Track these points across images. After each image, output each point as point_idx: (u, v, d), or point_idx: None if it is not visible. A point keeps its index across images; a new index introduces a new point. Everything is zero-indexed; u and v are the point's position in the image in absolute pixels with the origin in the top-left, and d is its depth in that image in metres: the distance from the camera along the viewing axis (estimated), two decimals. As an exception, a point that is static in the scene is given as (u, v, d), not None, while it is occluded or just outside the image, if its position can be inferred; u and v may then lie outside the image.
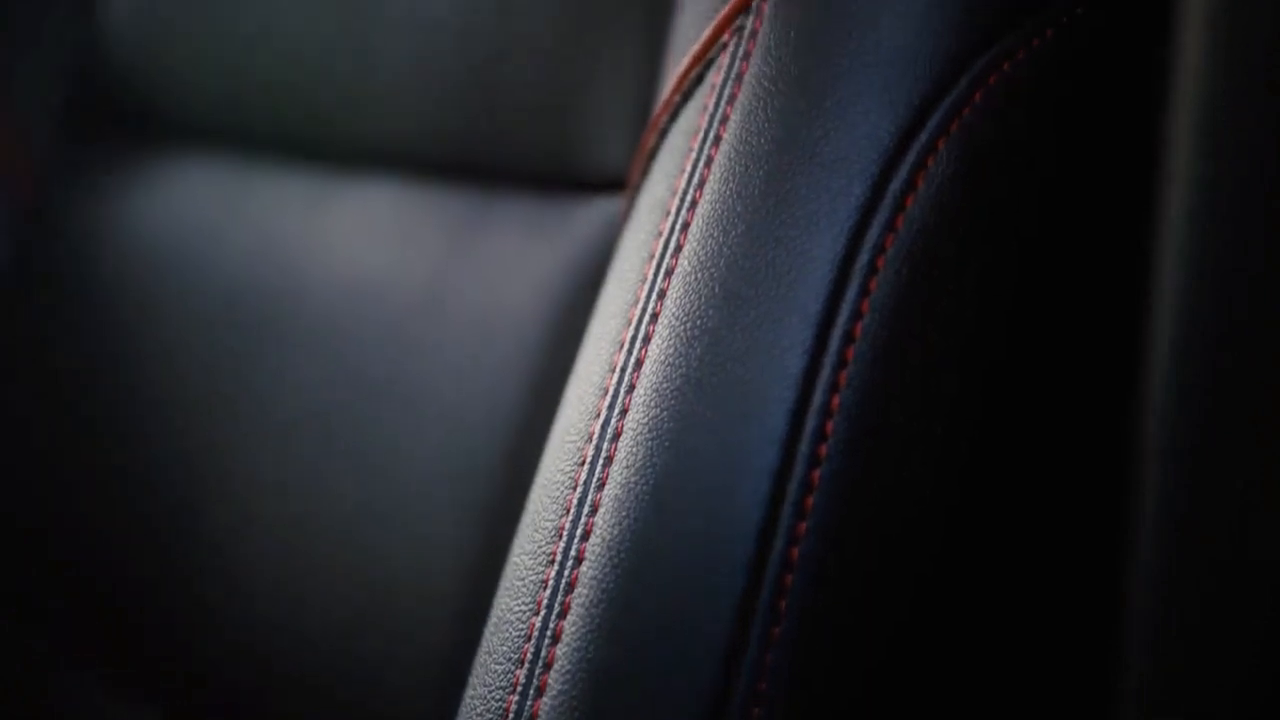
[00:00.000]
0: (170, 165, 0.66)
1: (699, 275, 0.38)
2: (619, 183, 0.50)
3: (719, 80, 0.41)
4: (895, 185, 0.37)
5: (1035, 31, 0.39)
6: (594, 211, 0.51)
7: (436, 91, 0.56)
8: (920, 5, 0.39)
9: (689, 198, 0.40)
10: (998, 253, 0.38)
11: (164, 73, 0.66)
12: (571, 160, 0.52)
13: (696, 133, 0.41)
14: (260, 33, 0.63)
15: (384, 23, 0.58)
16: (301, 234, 0.60)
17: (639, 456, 0.36)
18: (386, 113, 0.58)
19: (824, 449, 0.35)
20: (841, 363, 0.36)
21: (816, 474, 0.35)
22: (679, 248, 0.39)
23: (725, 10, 0.42)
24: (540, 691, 0.34)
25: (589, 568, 0.35)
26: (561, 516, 0.37)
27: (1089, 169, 0.41)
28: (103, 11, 0.69)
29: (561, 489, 0.38)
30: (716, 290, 0.38)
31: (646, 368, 0.38)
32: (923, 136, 0.37)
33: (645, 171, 0.44)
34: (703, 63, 0.42)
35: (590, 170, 0.51)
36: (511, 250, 0.53)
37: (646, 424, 0.36)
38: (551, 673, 0.34)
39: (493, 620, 0.37)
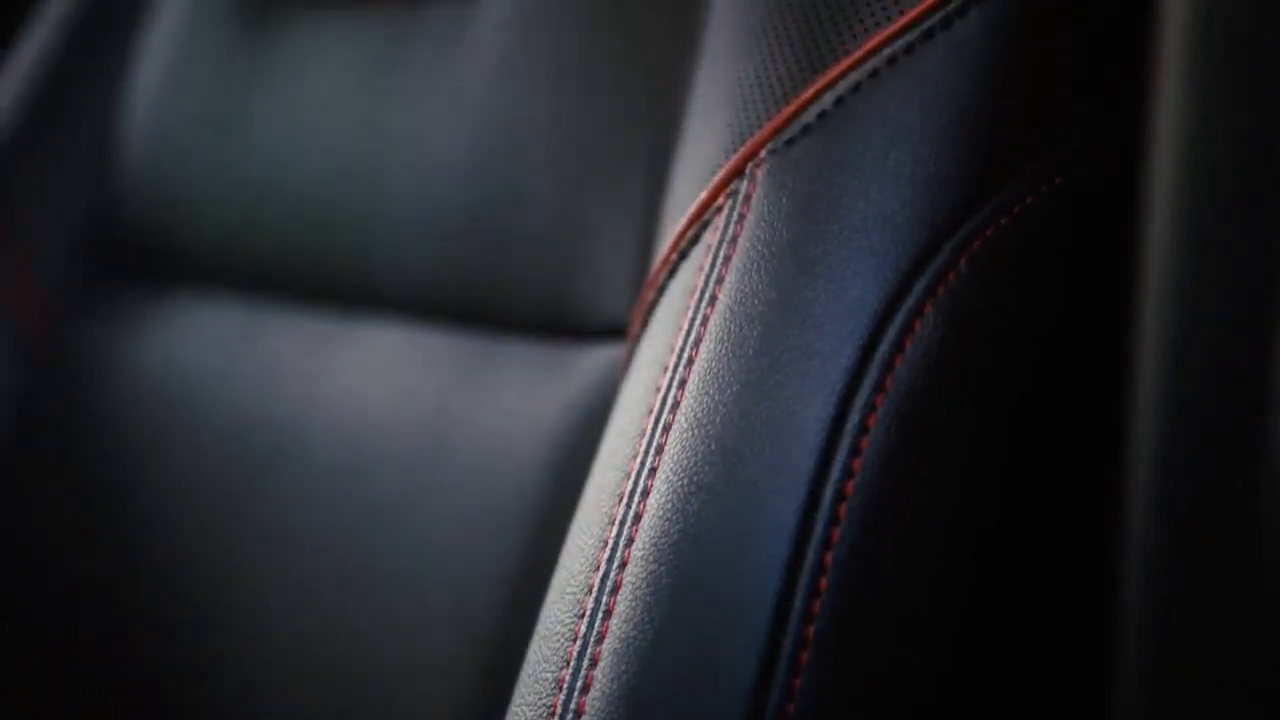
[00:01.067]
0: (181, 305, 0.68)
1: (696, 432, 0.39)
2: (619, 331, 0.51)
3: (714, 241, 0.43)
4: (884, 348, 0.39)
5: (1016, 198, 0.41)
6: (595, 358, 0.52)
7: (444, 238, 0.58)
8: (905, 176, 0.40)
9: (686, 355, 0.41)
10: (985, 416, 0.40)
11: (176, 215, 0.68)
12: (574, 308, 0.53)
13: (693, 292, 0.42)
14: (271, 178, 0.64)
15: (393, 170, 0.60)
16: (309, 374, 0.61)
17: (637, 611, 0.37)
18: (395, 257, 0.60)
19: (817, 604, 0.36)
20: (834, 519, 0.37)
21: (810, 630, 0.36)
22: (676, 404, 0.40)
23: (720, 175, 0.44)
24: None
25: None
26: (561, 668, 0.38)
27: (1073, 331, 0.42)
28: (118, 155, 0.71)
29: (561, 640, 0.39)
30: (713, 447, 0.39)
31: (645, 521, 0.39)
32: (909, 301, 0.39)
33: (644, 325, 0.46)
34: (699, 223, 0.44)
35: (592, 318, 0.53)
36: (515, 394, 0.54)
37: (645, 578, 0.38)
38: None
39: None
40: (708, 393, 0.40)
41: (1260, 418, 0.27)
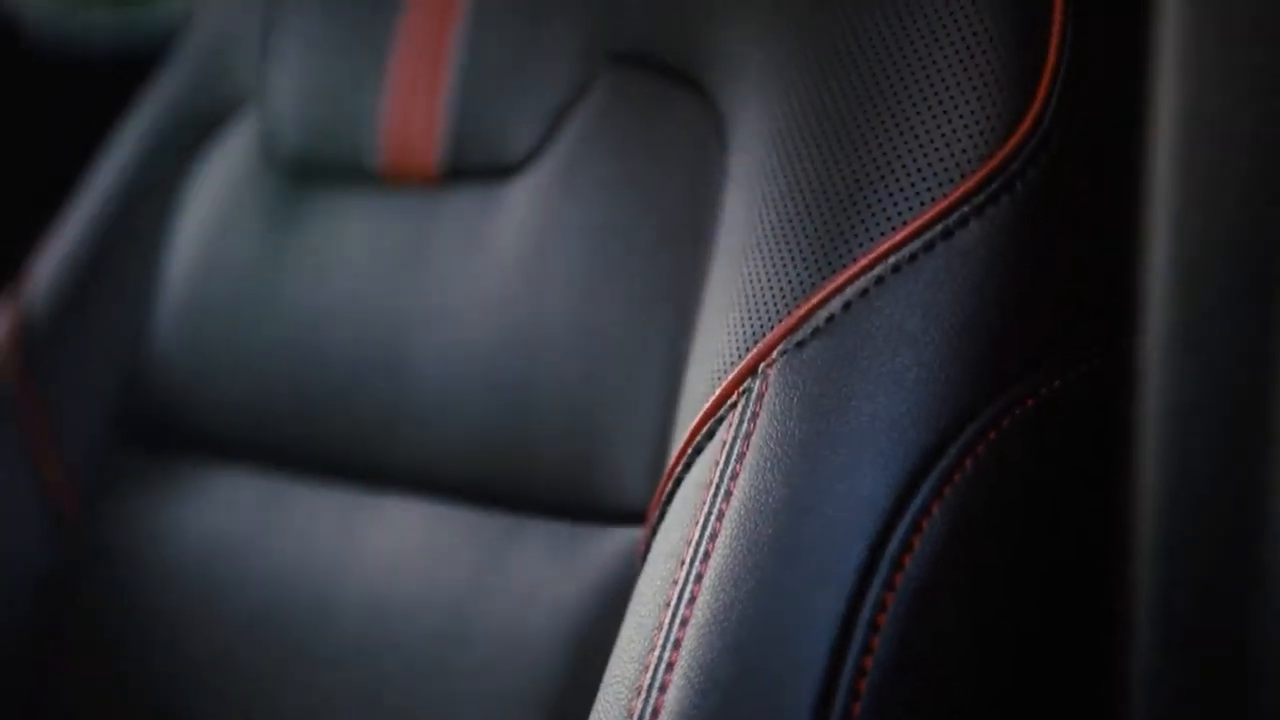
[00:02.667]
0: (208, 479, 0.69)
1: (712, 628, 0.41)
2: (638, 516, 0.53)
3: (729, 438, 0.44)
4: (893, 547, 0.40)
5: (1017, 402, 0.43)
6: (614, 541, 0.54)
7: (465, 419, 0.59)
8: (911, 379, 0.42)
9: (702, 550, 0.43)
10: (993, 611, 0.41)
11: (205, 390, 0.70)
12: (593, 492, 0.55)
13: (709, 486, 0.44)
14: (299, 355, 0.66)
15: (417, 350, 0.62)
16: (332, 551, 0.63)
17: None
18: (417, 436, 0.61)
19: None
20: (848, 717, 0.38)
21: None
22: (693, 598, 0.42)
23: (734, 374, 0.46)
24: None
25: None
26: None
27: (1075, 519, 0.44)
28: (150, 332, 0.73)
29: None
30: (729, 643, 0.40)
31: (663, 716, 0.40)
32: (917, 501, 0.41)
33: (660, 516, 0.47)
34: (714, 419, 0.46)
35: (610, 503, 0.54)
36: (535, 576, 0.55)
37: None
38: None
39: None
40: (723, 589, 0.41)
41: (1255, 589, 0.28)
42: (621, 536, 0.53)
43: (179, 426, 0.71)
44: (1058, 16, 0.46)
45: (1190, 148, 0.32)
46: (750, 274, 0.47)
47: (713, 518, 0.43)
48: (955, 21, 0.47)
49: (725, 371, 0.46)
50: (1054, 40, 0.46)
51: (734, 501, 0.43)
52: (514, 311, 0.58)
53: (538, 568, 0.55)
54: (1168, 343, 0.32)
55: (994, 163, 0.45)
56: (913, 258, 0.44)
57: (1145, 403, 0.31)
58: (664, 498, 0.47)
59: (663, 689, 0.40)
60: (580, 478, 0.55)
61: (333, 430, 0.65)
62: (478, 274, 0.60)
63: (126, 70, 1.72)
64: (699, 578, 0.42)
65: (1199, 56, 0.32)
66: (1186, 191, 0.32)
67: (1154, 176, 0.33)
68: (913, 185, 0.45)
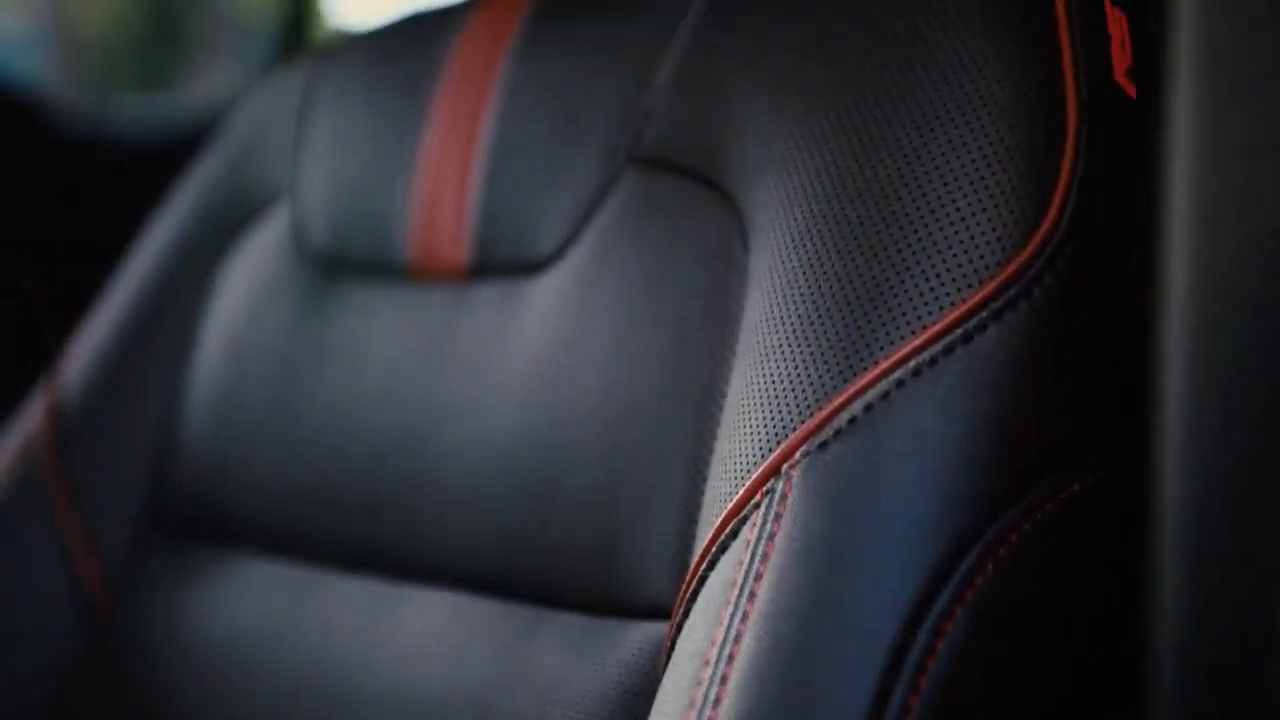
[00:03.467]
0: (235, 568, 0.70)
1: None
2: (660, 610, 0.53)
3: (753, 538, 0.45)
4: (916, 650, 0.41)
5: (1037, 505, 0.43)
6: (637, 636, 0.54)
7: (490, 512, 0.60)
8: (932, 482, 0.43)
9: (727, 651, 0.43)
10: (1014, 708, 0.41)
11: (233, 479, 0.71)
12: (617, 586, 0.55)
13: (733, 586, 0.45)
14: (326, 445, 0.67)
15: (444, 441, 0.63)
16: (358, 642, 0.63)
17: None
18: (443, 530, 0.62)
19: None
20: None
21: None
22: (718, 700, 0.42)
23: (758, 474, 0.46)
24: None
25: None
26: None
27: (1095, 621, 0.44)
28: (180, 422, 0.74)
29: None
30: None
31: None
32: (939, 604, 0.41)
33: (685, 614, 0.48)
34: (737, 519, 0.46)
35: (634, 597, 0.54)
36: (559, 670, 0.56)
37: None
38: None
39: None
40: (748, 691, 0.42)
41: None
42: (645, 631, 0.54)
43: (207, 515, 0.72)
44: (1071, 127, 0.48)
45: (1203, 252, 0.32)
46: (772, 374, 0.48)
47: (737, 618, 0.44)
48: (973, 132, 0.48)
49: (749, 471, 0.47)
50: (1068, 150, 0.47)
51: (758, 602, 0.43)
52: (538, 405, 0.59)
53: (561, 661, 0.56)
54: (1183, 440, 0.32)
55: (1011, 269, 0.46)
56: (933, 361, 0.45)
57: (1162, 497, 0.32)
58: (688, 595, 0.48)
59: None
60: (603, 572, 0.55)
61: (359, 521, 0.66)
62: (503, 368, 0.61)
63: (153, 154, 1.75)
64: (723, 679, 0.43)
65: (1211, 164, 0.33)
66: (1200, 295, 0.33)
67: (1168, 279, 0.33)
68: (931, 290, 0.46)
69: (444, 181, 0.66)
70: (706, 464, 0.51)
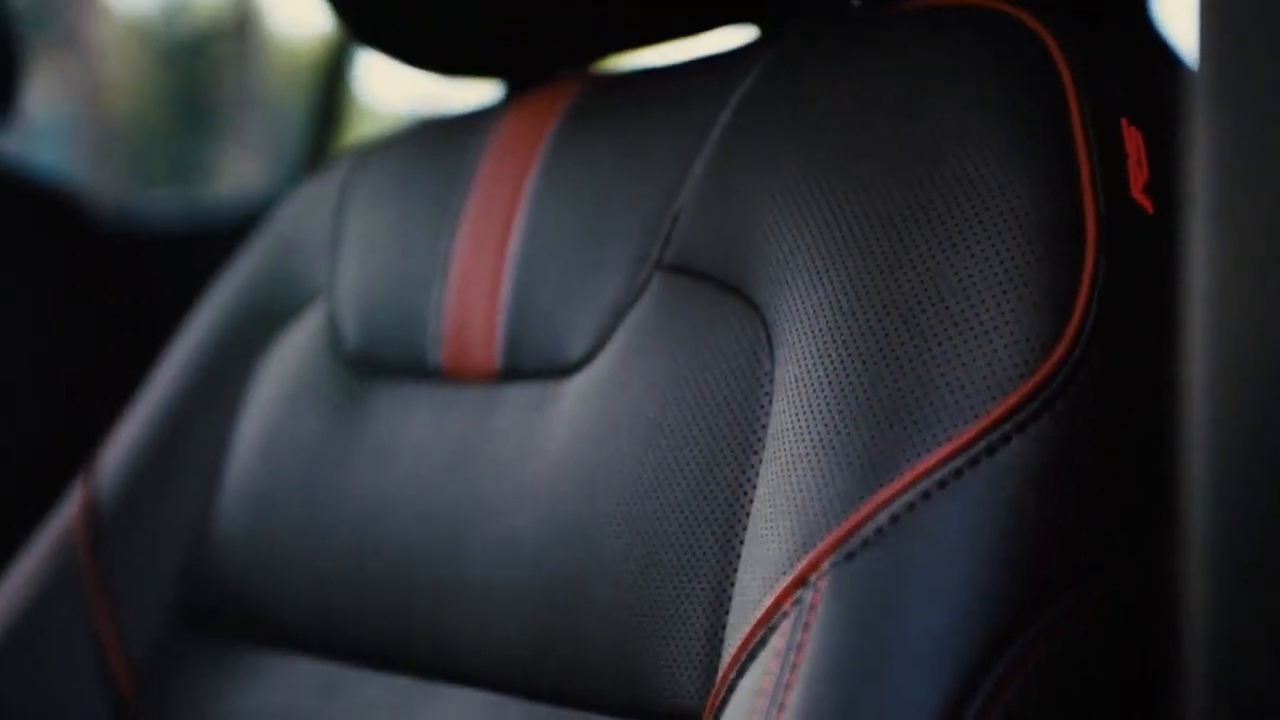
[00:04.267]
0: (266, 664, 0.71)
1: None
2: (689, 714, 0.54)
3: (782, 647, 0.46)
4: None
5: (1062, 618, 0.44)
6: None
7: (518, 612, 0.61)
8: (958, 594, 0.44)
9: None
10: None
11: (264, 577, 0.72)
12: (644, 690, 0.56)
13: (762, 695, 0.45)
14: (357, 544, 0.68)
15: (473, 541, 0.63)
16: None
17: None
18: (472, 629, 0.63)
19: None
20: None
21: None
22: None
23: (786, 583, 0.47)
24: None
25: None
26: None
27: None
28: (213, 518, 0.75)
29: None
30: None
31: None
32: (968, 715, 0.42)
33: (715, 720, 0.49)
34: (766, 626, 0.47)
35: (662, 701, 0.55)
36: None
37: None
38: None
39: None
40: None
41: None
42: None
43: (239, 611, 0.73)
44: (1090, 243, 0.49)
45: (1224, 364, 0.33)
46: (799, 482, 0.49)
47: None
48: (994, 248, 0.49)
49: (777, 579, 0.48)
50: (1088, 265, 0.49)
51: (788, 713, 0.44)
52: (567, 508, 0.60)
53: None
54: (1210, 545, 0.33)
55: (1034, 381, 0.47)
56: (958, 473, 0.46)
57: (1189, 602, 0.33)
58: (718, 703, 0.49)
59: None
60: (631, 674, 0.56)
61: (389, 618, 0.66)
62: (533, 469, 0.62)
63: (183, 246, 1.77)
64: None
65: (1229, 279, 0.34)
66: (1222, 406, 0.33)
67: (1189, 391, 0.34)
68: (955, 402, 0.47)
69: (475, 286, 0.68)
70: (734, 568, 0.52)
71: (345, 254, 0.75)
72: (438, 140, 0.75)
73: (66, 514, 0.78)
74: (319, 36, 0.80)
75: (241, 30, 8.37)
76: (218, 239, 1.76)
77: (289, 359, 0.76)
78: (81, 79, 7.66)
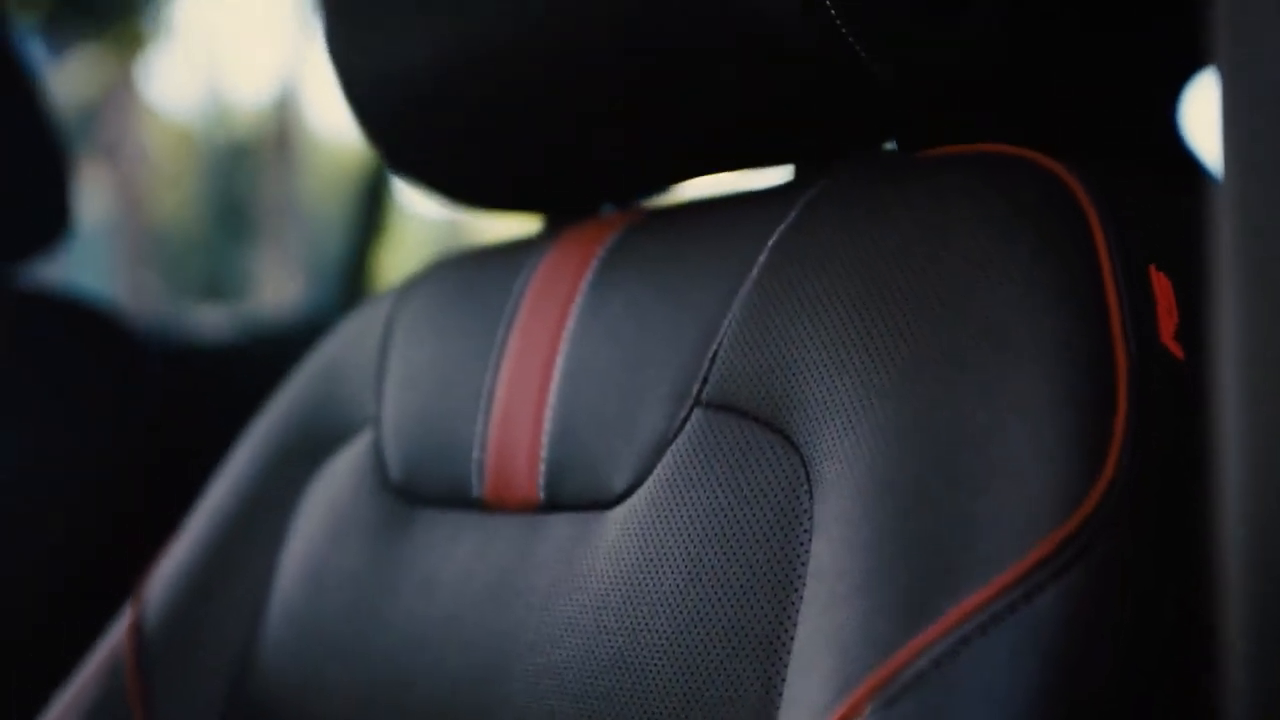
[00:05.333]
0: None
1: None
2: None
3: None
4: None
5: None
6: None
7: None
8: None
9: None
10: None
11: (307, 704, 0.73)
12: None
13: None
14: (398, 674, 0.69)
15: (514, 675, 0.64)
16: None
17: None
18: None
19: None
20: None
21: None
22: None
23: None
24: None
25: None
26: None
27: None
28: (256, 644, 0.76)
29: None
30: None
31: None
32: None
33: None
34: None
35: None
36: None
37: None
38: None
39: None
40: None
41: None
42: None
43: None
44: (1123, 390, 0.50)
45: (1257, 510, 0.34)
46: (840, 622, 0.50)
47: None
48: (1028, 394, 0.50)
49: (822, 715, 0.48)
50: (1121, 412, 0.49)
51: None
52: (608, 642, 0.60)
53: None
54: (1249, 696, 0.34)
55: (1069, 528, 0.47)
56: (996, 619, 0.46)
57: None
58: None
59: None
60: None
61: None
62: (575, 601, 0.63)
63: (228, 363, 1.80)
64: None
65: (1261, 426, 0.34)
66: (1256, 553, 0.34)
67: (1223, 537, 0.35)
68: (992, 547, 0.48)
69: (518, 419, 0.69)
70: (776, 706, 0.53)
71: (390, 384, 0.76)
72: (481, 272, 0.76)
73: (114, 635, 0.79)
74: (360, 141, 0.82)
75: (282, 135, 8.51)
76: (258, 354, 1.79)
77: (334, 487, 0.77)
78: (122, 186, 7.78)
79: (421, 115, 0.74)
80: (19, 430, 1.27)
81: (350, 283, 2.10)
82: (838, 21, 0.58)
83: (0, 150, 1.32)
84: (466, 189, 0.80)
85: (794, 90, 0.63)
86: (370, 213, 2.14)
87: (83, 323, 1.36)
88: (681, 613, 0.58)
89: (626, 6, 0.63)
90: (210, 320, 1.93)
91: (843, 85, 0.61)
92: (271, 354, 1.79)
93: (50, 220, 1.36)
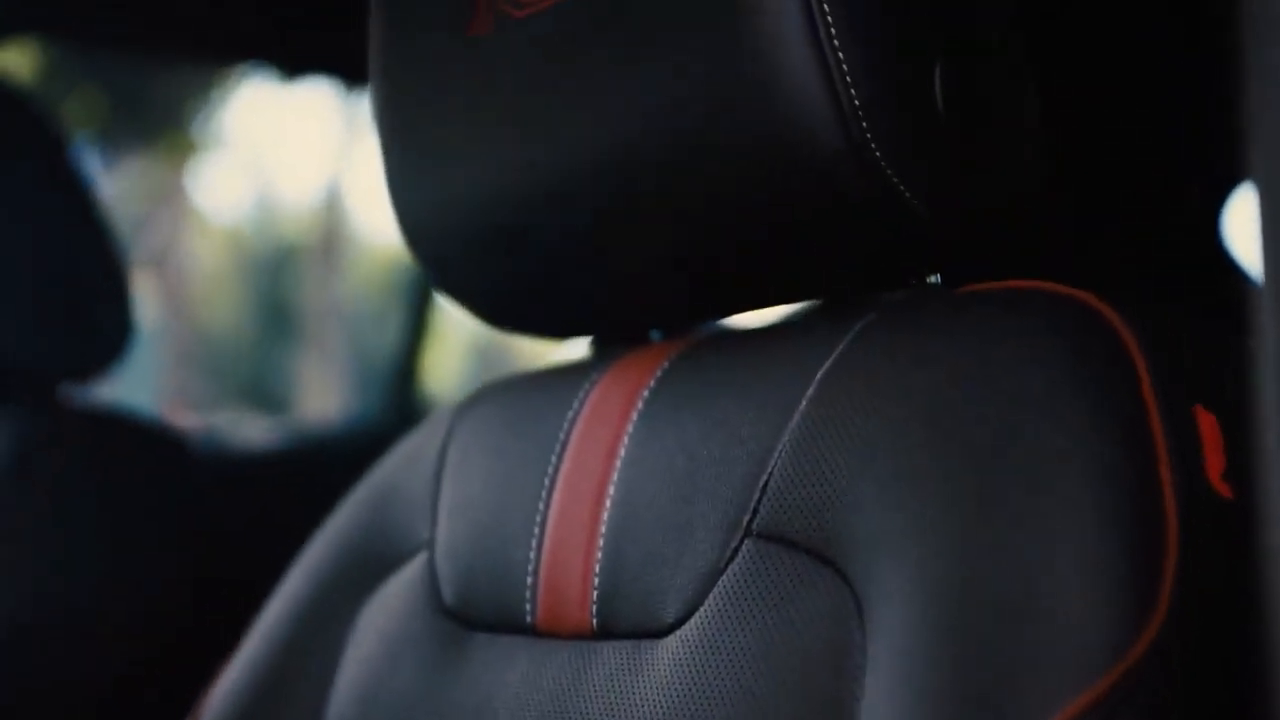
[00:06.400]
0: None
1: None
2: None
3: None
4: None
5: None
6: None
7: None
8: None
9: None
10: None
11: None
12: None
13: None
14: None
15: None
16: None
17: None
18: None
19: None
20: None
21: None
22: None
23: None
24: None
25: None
26: None
27: None
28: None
29: None
30: None
31: None
32: None
33: None
34: None
35: None
36: None
37: None
38: None
39: None
40: None
41: None
42: None
43: None
44: (1172, 531, 0.50)
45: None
46: None
47: None
48: (1077, 536, 0.51)
49: None
50: (1170, 554, 0.50)
51: None
52: None
53: None
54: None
55: (1119, 670, 0.48)
56: None
57: None
58: None
59: None
60: None
61: None
62: None
63: (279, 472, 1.81)
64: None
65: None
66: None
67: (1273, 678, 0.35)
68: (1042, 690, 0.48)
69: (571, 546, 0.70)
70: None
71: (445, 508, 0.78)
72: (534, 396, 0.78)
73: None
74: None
75: (328, 238, 8.62)
76: (309, 465, 1.81)
77: (389, 611, 0.78)
78: (170, 291, 7.89)
79: (471, 242, 0.76)
80: (75, 547, 1.29)
81: (398, 390, 2.12)
82: (883, 163, 0.60)
83: (64, 269, 1.35)
84: (515, 314, 0.81)
85: (839, 228, 0.64)
86: (417, 317, 2.16)
87: (134, 439, 1.38)
88: None
89: (675, 148, 0.65)
90: (259, 430, 1.95)
91: (887, 223, 0.63)
92: (322, 465, 1.81)
93: (113, 339, 1.38)
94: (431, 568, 0.77)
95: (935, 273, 0.67)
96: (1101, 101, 0.76)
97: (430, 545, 0.78)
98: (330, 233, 8.56)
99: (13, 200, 1.34)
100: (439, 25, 0.73)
